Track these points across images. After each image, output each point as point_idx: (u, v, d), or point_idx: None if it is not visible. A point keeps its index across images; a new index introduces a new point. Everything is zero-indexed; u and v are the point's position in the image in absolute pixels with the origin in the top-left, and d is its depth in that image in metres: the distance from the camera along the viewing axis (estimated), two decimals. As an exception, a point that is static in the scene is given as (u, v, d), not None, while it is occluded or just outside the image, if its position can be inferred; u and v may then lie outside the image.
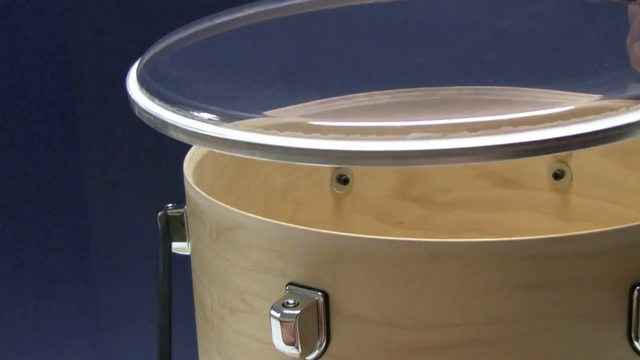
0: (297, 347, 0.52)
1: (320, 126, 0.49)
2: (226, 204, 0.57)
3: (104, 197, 1.22)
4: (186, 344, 1.28)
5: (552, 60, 0.64)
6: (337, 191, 0.82)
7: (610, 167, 0.78)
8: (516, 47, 0.66)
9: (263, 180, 0.75)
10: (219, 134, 0.51)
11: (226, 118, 0.52)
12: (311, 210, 0.79)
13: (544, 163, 0.80)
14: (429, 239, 0.51)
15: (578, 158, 0.79)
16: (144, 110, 0.56)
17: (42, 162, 1.19)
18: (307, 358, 0.53)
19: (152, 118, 0.55)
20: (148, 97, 0.57)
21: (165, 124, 0.54)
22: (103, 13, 1.15)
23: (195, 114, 0.53)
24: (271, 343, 0.52)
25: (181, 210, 0.65)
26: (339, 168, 0.79)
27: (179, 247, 0.65)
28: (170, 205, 0.66)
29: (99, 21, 1.16)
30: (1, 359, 1.24)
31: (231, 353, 0.59)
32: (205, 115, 0.52)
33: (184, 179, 0.63)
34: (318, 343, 0.53)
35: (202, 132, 0.52)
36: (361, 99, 0.64)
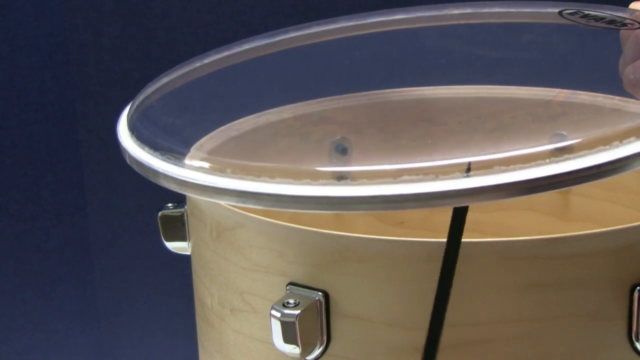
0: (297, 347, 0.52)
1: (311, 171, 0.49)
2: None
3: (104, 197, 1.22)
4: (186, 344, 1.28)
5: (548, 85, 0.64)
6: (337, 191, 0.82)
7: (610, 167, 0.78)
8: (509, 74, 0.66)
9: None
10: (210, 183, 0.50)
11: (217, 166, 0.51)
12: (311, 210, 0.79)
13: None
14: (429, 239, 0.51)
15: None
16: (134, 159, 0.55)
17: (42, 162, 1.19)
18: (308, 358, 0.53)
19: (143, 167, 0.54)
20: (138, 145, 0.56)
21: (156, 173, 0.53)
22: (103, 13, 1.15)
23: (187, 162, 0.52)
24: (271, 343, 0.52)
25: (181, 210, 0.65)
26: (338, 169, 0.78)
27: (179, 247, 0.65)
28: (170, 205, 0.66)
29: (99, 21, 1.16)
30: (1, 359, 1.24)
31: (231, 353, 0.59)
32: (196, 164, 0.52)
33: (184, 179, 0.63)
34: (318, 343, 0.53)
35: (193, 181, 0.51)
36: (351, 138, 0.64)
